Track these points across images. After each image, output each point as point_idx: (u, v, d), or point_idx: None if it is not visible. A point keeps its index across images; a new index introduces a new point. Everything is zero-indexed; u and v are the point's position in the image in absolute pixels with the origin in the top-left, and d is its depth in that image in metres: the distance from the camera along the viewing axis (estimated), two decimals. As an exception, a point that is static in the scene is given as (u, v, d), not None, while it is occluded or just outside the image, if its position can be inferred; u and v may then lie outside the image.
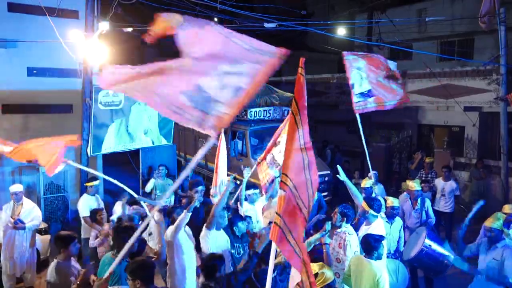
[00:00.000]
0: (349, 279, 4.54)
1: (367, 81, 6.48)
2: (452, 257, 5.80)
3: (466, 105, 12.76)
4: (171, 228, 4.95)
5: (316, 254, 4.58)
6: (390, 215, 5.98)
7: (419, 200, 6.97)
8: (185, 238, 5.05)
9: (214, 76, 2.77)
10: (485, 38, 13.52)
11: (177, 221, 4.90)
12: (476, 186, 10.88)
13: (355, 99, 6.49)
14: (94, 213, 6.33)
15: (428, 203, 7.06)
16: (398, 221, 6.10)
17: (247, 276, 4.07)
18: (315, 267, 3.68)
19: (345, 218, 4.98)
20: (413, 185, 7.05)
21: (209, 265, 3.95)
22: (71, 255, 4.44)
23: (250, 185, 6.58)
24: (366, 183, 7.31)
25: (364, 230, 5.11)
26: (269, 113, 10.90)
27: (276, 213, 2.86)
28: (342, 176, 5.83)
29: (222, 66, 2.77)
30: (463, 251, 5.24)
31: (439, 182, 8.76)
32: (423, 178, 9.37)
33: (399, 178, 12.78)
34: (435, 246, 5.82)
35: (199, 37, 2.77)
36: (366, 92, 6.56)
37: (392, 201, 6.05)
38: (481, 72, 12.50)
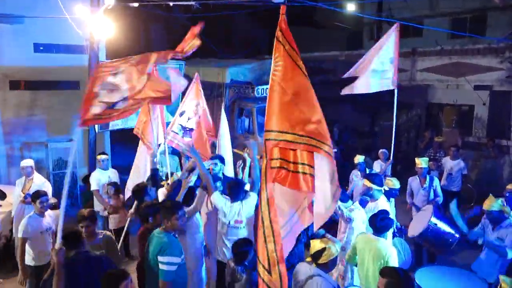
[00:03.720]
0: (354, 257, 4.48)
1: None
2: (457, 235, 5.80)
3: (477, 84, 12.55)
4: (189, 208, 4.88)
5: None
6: (388, 195, 5.94)
7: (427, 178, 6.94)
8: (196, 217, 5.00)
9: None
10: (498, 15, 13.17)
11: (195, 202, 4.86)
12: (484, 165, 10.81)
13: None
14: (111, 184, 6.84)
15: (436, 181, 7.03)
16: (392, 201, 6.13)
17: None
18: (320, 243, 3.71)
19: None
20: (419, 162, 7.00)
21: (241, 251, 4.07)
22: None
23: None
24: (359, 158, 7.34)
25: (371, 206, 5.11)
26: (276, 90, 10.79)
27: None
28: None
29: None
30: (467, 232, 5.24)
31: (447, 161, 8.70)
32: (431, 157, 9.32)
33: (406, 157, 12.71)
34: (441, 225, 5.82)
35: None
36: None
37: (392, 182, 5.96)
38: (493, 50, 12.21)
